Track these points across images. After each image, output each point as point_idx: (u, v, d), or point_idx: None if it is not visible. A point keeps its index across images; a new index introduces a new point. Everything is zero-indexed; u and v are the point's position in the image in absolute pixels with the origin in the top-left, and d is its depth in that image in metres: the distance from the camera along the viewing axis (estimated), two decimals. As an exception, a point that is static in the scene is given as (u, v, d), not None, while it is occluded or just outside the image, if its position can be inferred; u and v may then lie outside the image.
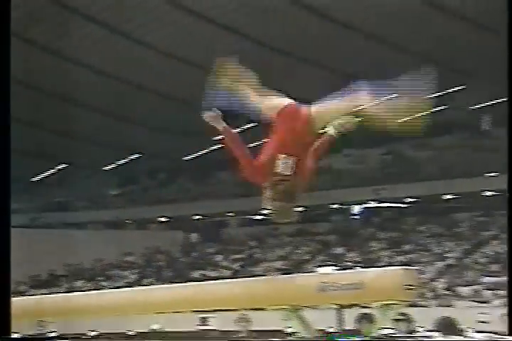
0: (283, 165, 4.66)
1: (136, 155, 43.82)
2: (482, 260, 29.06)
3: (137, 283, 32.23)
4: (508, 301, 4.12)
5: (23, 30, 29.54)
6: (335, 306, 4.09)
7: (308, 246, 34.23)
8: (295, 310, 4.24)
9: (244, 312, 8.34)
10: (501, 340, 4.64)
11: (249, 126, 39.89)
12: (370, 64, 32.23)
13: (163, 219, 42.18)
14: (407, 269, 3.98)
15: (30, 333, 13.04)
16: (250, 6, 29.24)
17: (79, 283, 33.75)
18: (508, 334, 4.26)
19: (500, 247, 29.80)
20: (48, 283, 34.13)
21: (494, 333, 8.87)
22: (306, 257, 32.73)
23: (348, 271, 4.53)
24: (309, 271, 22.00)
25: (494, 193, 34.54)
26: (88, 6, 29.90)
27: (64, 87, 35.44)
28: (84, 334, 22.49)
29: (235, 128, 4.80)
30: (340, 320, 4.84)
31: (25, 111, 35.57)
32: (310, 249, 33.72)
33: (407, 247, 31.23)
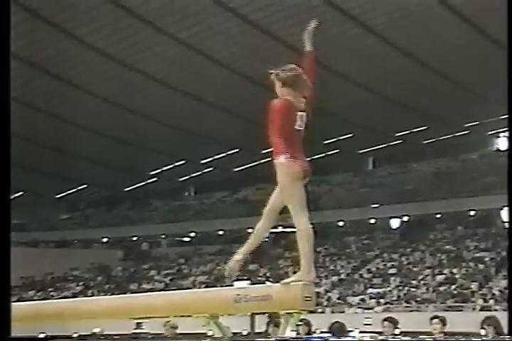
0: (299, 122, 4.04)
1: (83, 186, 43.08)
2: (367, 275, 29.48)
3: (82, 293, 31.35)
4: (507, 301, 4.06)
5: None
6: (248, 314, 4.14)
7: (226, 264, 34.02)
8: (213, 317, 4.26)
9: (172, 318, 8.26)
10: (501, 340, 4.64)
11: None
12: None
13: (105, 240, 41.40)
14: (305, 284, 4.04)
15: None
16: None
17: (31, 293, 32.62)
18: (508, 335, 4.18)
19: (381, 264, 30.34)
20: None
21: (376, 333, 9.02)
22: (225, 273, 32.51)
23: (258, 285, 4.55)
24: (228, 284, 21.85)
25: (376, 221, 35.35)
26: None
27: (23, 125, 34.31)
28: (33, 337, 21.67)
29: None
30: (253, 325, 4.88)
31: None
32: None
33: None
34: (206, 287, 24.30)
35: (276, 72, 4.19)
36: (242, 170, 41.96)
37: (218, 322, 4.26)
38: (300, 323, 6.81)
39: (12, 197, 43.95)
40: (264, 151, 39.68)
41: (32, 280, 34.98)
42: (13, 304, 6.94)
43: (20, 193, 43.10)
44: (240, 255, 4.33)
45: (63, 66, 29.72)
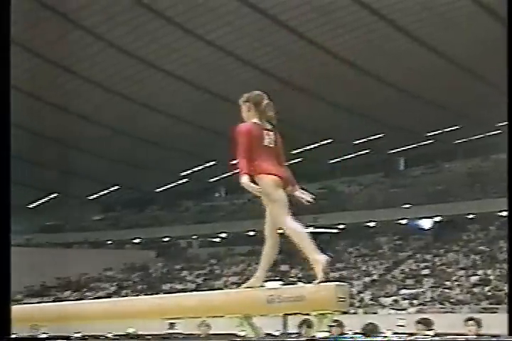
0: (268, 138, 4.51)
1: (115, 187, 43.47)
2: (400, 276, 29.22)
3: (116, 293, 31.65)
4: (507, 301, 4.02)
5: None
6: (281, 314, 4.12)
7: (257, 264, 33.98)
8: (247, 317, 4.26)
9: (205, 319, 8.29)
10: (501, 340, 4.57)
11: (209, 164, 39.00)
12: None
13: (137, 241, 41.73)
14: (339, 284, 4.01)
15: (25, 335, 12.69)
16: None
17: (66, 293, 33.02)
18: (508, 335, 4.16)
19: (414, 265, 30.05)
20: (40, 292, 33.34)
21: (410, 334, 8.93)
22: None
23: (291, 285, 4.54)
24: (259, 285, 21.85)
25: (408, 221, 35.00)
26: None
27: (56, 128, 34.78)
28: (70, 336, 21.98)
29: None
30: (285, 326, 4.86)
31: (26, 149, 34.92)
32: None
33: (339, 265, 31.28)
34: (237, 287, 24.34)
35: (244, 99, 4.59)
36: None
37: (252, 322, 4.26)
38: (333, 324, 6.77)
39: (46, 199, 44.58)
40: (294, 152, 39.72)
41: (67, 280, 35.41)
42: (48, 304, 7.04)
43: (54, 195, 43.71)
44: (257, 279, 4.64)
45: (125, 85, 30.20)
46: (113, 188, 43.41)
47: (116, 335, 22.27)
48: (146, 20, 26.69)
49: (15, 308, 5.67)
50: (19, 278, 31.92)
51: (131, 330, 21.80)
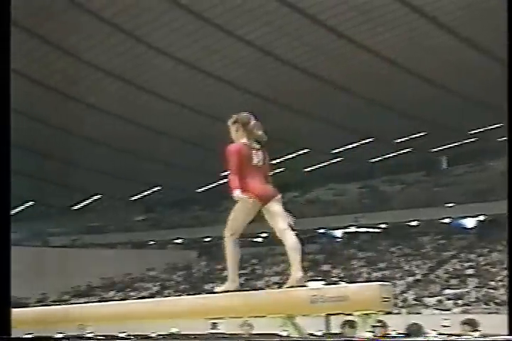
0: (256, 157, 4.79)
1: (158, 188, 43.89)
2: (443, 276, 28.83)
3: (159, 293, 31.96)
4: (508, 301, 4.03)
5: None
6: (323, 314, 4.09)
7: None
8: (290, 317, 4.25)
9: (247, 318, 8.31)
10: (502, 340, 4.55)
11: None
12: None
13: (179, 241, 42.05)
14: (383, 284, 3.97)
15: (73, 334, 12.91)
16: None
17: (111, 293, 33.46)
18: (508, 335, 4.16)
19: (458, 265, 29.61)
20: (86, 293, 33.86)
21: (456, 335, 8.79)
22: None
23: (334, 285, 4.50)
24: (301, 285, 21.79)
25: (451, 220, 34.50)
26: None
27: (98, 130, 35.26)
28: (115, 336, 22.29)
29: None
30: (328, 326, 4.83)
31: (71, 151, 35.48)
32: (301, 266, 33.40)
33: (381, 265, 31.00)
34: (279, 287, 24.32)
35: (233, 120, 4.99)
36: (312, 170, 41.84)
37: (295, 322, 4.25)
38: (377, 324, 6.71)
39: (89, 201, 45.29)
40: (334, 151, 39.53)
41: (111, 280, 35.88)
42: (93, 304, 7.13)
43: (98, 197, 44.37)
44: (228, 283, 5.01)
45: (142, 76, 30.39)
46: (155, 189, 43.84)
47: (159, 335, 22.49)
48: (186, 21, 26.86)
49: (62, 308, 5.77)
50: (66, 278, 32.66)
51: (174, 330, 21.97)
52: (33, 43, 27.49)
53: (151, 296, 28.73)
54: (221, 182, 43.82)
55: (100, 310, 5.77)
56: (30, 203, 45.43)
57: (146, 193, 44.56)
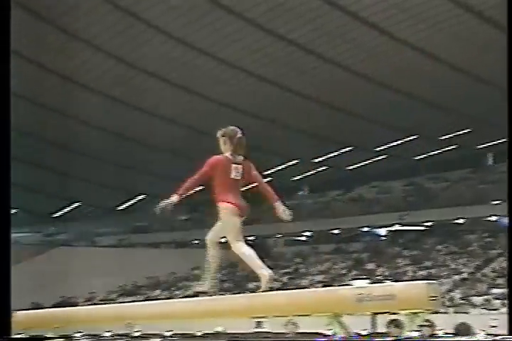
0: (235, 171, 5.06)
1: (201, 188, 44.14)
2: (491, 274, 28.29)
3: (203, 292, 32.10)
4: (508, 301, 3.99)
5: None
6: (368, 313, 4.05)
7: (343, 263, 33.77)
8: (337, 316, 4.22)
9: (292, 317, 8.30)
10: (502, 340, 4.50)
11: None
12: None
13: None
14: (430, 283, 3.91)
15: (120, 332, 13.08)
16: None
17: (156, 292, 33.83)
18: (508, 335, 4.14)
19: (505, 263, 29.01)
20: (132, 292, 34.30)
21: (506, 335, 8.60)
22: (343, 272, 32.28)
23: (380, 284, 4.45)
24: (345, 283, 21.66)
25: (498, 218, 33.82)
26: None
27: (139, 130, 35.65)
28: (161, 334, 22.52)
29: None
30: (374, 325, 4.78)
31: (111, 151, 35.97)
32: (345, 265, 33.25)
33: (427, 263, 30.59)
34: (323, 286, 24.20)
35: (221, 133, 5.25)
36: (355, 168, 41.55)
37: (341, 321, 4.22)
38: (424, 324, 6.61)
39: (134, 201, 45.87)
40: (377, 149, 39.17)
41: (157, 279, 36.26)
42: (141, 303, 7.21)
43: (142, 197, 44.89)
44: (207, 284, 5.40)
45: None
46: (198, 188, 44.16)
47: (205, 334, 22.62)
48: (227, 21, 26.97)
49: (110, 307, 5.85)
50: (113, 277, 33.12)
51: (219, 329, 22.06)
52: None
53: (196, 295, 28.92)
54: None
55: (147, 309, 5.84)
56: (78, 204, 46.27)
57: (189, 193, 44.88)
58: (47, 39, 27.60)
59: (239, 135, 5.19)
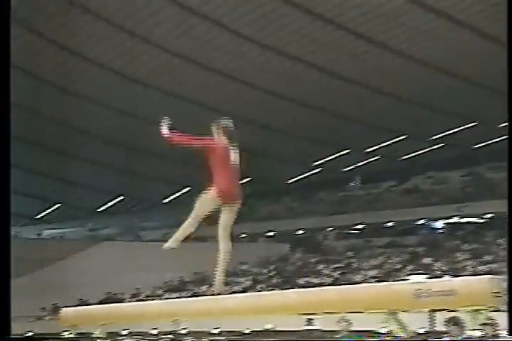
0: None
1: (247, 179, 44.27)
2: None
3: (251, 288, 32.32)
4: (508, 300, 3.91)
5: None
6: (426, 310, 3.98)
7: (398, 257, 33.45)
8: (393, 313, 4.15)
9: (344, 314, 8.26)
10: (502, 340, 4.42)
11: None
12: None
13: (271, 234, 42.31)
14: (493, 278, 3.82)
15: (167, 330, 13.26)
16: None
17: (203, 288, 34.13)
18: (508, 334, 4.06)
19: None
20: (179, 288, 34.69)
21: None
22: (398, 266, 31.98)
23: (439, 279, 4.37)
24: (401, 279, 21.43)
25: None
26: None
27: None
28: (208, 332, 22.73)
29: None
30: (432, 323, 4.69)
31: (153, 146, 36.30)
32: (400, 259, 32.93)
33: (488, 258, 30.05)
34: (377, 282, 24.03)
35: (216, 125, 5.75)
36: (409, 158, 41.03)
37: (398, 318, 4.16)
38: (487, 322, 6.47)
39: (178, 194, 46.30)
40: (433, 137, 38.57)
41: (203, 275, 36.57)
42: (188, 299, 7.28)
43: (187, 189, 45.28)
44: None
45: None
46: (244, 180, 44.32)
47: (253, 331, 22.71)
48: (272, 7, 26.92)
49: (156, 304, 5.91)
50: (158, 273, 33.52)
51: (269, 326, 22.12)
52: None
53: (244, 291, 29.07)
54: (314, 172, 43.78)
55: (194, 305, 5.88)
56: (122, 198, 46.99)
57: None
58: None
59: (231, 126, 5.72)
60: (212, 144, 5.62)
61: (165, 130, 5.67)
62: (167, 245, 6.16)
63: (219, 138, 5.70)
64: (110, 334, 6.68)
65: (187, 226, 6.24)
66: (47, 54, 30.65)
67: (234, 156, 5.70)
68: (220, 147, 5.62)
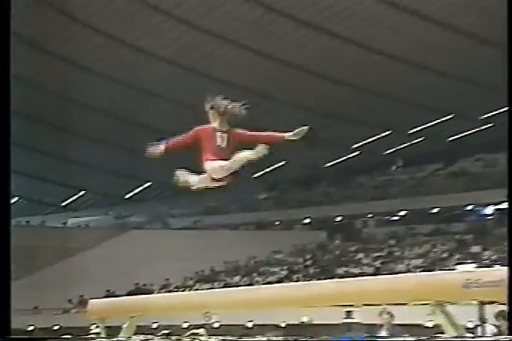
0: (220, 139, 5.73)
1: (281, 163, 44.25)
2: None
3: (287, 278, 32.41)
4: (508, 301, 3.83)
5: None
6: (475, 302, 3.92)
7: (444, 245, 33.20)
8: (440, 305, 4.10)
9: (386, 306, 8.23)
10: (501, 340, 4.37)
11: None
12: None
13: (306, 221, 42.30)
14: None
15: (198, 323, 13.36)
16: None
17: (236, 278, 34.34)
18: (509, 334, 4.02)
19: None
20: (210, 278, 34.93)
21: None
22: (444, 255, 31.76)
23: (490, 268, 4.30)
24: (448, 268, 21.28)
25: None
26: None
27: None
28: (242, 325, 22.87)
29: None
30: (482, 316, 4.64)
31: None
32: (447, 248, 32.69)
33: (541, 246, 29.64)
34: (422, 271, 23.89)
35: (209, 106, 5.82)
36: (457, 139, 40.56)
37: (446, 311, 4.10)
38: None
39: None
40: (481, 117, 38.01)
41: (235, 264, 36.78)
42: (220, 290, 7.30)
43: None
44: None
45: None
46: (279, 164, 44.26)
47: (289, 324, 22.80)
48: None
49: (187, 295, 5.94)
50: (188, 262, 33.78)
51: (305, 319, 22.17)
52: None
53: (279, 281, 29.19)
54: (352, 155, 43.56)
55: (226, 297, 5.89)
56: (149, 184, 47.35)
57: (269, 169, 45.08)
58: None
59: (224, 104, 5.78)
60: (197, 132, 5.82)
61: (161, 147, 5.93)
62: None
63: (213, 120, 5.82)
64: (139, 327, 6.72)
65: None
66: (48, 20, 30.69)
67: (221, 138, 5.77)
68: (201, 130, 5.81)
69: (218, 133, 5.77)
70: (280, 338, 7.09)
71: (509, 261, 3.90)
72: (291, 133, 6.04)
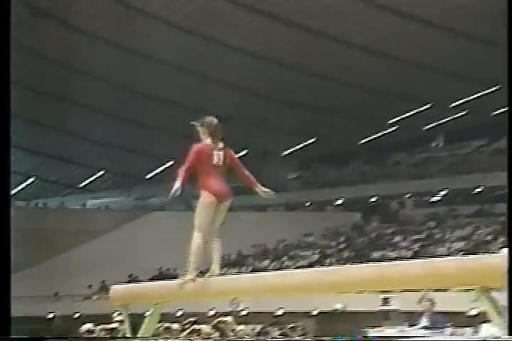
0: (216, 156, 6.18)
1: (313, 140, 44.10)
2: None
3: (319, 262, 32.50)
4: (508, 301, 3.79)
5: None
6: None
7: (488, 227, 33.01)
8: (485, 291, 4.08)
9: (427, 292, 8.20)
10: (501, 340, 4.36)
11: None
12: None
13: (339, 201, 42.24)
14: None
15: (224, 310, 13.48)
16: None
17: (265, 263, 34.51)
18: (509, 334, 4.01)
19: None
20: (237, 262, 35.13)
21: None
22: (488, 238, 31.59)
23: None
24: (492, 252, 21.17)
25: None
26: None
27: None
28: (272, 313, 23.01)
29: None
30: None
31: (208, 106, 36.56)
32: (491, 230, 32.51)
33: None
34: (464, 255, 23.82)
35: (200, 123, 6.30)
36: (502, 112, 40.10)
37: (492, 297, 4.08)
38: None
39: (238, 155, 46.61)
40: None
41: (264, 248, 36.94)
42: (248, 275, 7.32)
43: (243, 153, 45.45)
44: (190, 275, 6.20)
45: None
46: (309, 141, 44.17)
47: (321, 312, 22.89)
48: None
49: (213, 281, 5.97)
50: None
51: (338, 306, 22.23)
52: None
53: (310, 266, 29.27)
54: (389, 130, 43.33)
55: (254, 283, 5.92)
56: (170, 163, 47.56)
57: (299, 147, 45.00)
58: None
59: (215, 123, 6.28)
60: (197, 153, 6.17)
61: (178, 185, 6.20)
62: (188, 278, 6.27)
63: (204, 137, 6.24)
64: (163, 315, 6.79)
65: (199, 245, 6.37)
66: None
67: (217, 156, 6.21)
68: (201, 150, 6.18)
69: (215, 152, 6.21)
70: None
71: (509, 265, 3.87)
72: (262, 189, 6.61)
